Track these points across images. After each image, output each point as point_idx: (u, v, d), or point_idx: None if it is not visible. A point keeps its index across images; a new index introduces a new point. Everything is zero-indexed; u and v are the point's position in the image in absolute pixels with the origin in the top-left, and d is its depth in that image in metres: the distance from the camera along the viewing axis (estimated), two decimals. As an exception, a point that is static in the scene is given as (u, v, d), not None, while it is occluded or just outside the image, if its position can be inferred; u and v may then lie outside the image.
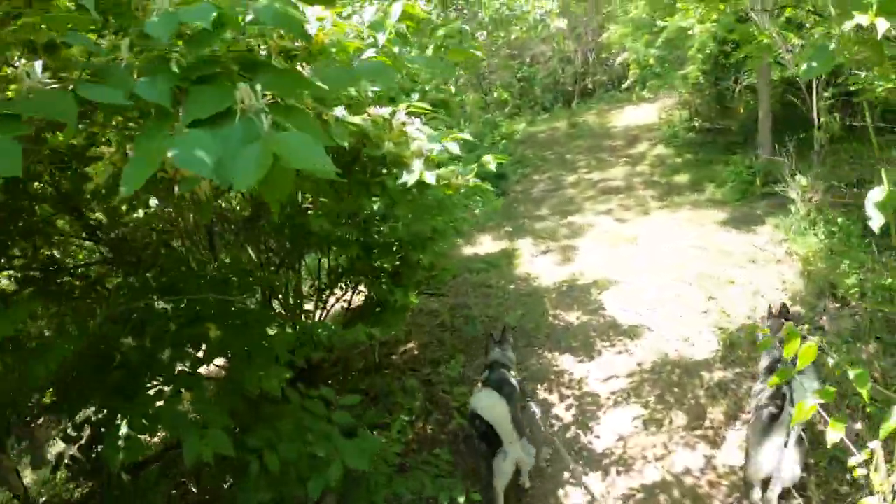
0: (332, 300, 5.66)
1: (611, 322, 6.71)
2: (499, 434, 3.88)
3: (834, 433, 2.01)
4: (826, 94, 6.77)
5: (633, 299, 7.07)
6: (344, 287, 5.65)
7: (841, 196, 7.68)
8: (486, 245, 9.67)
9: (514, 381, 4.48)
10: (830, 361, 2.75)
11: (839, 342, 5.75)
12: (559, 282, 7.86)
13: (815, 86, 7.04)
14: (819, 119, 7.04)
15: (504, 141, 14.13)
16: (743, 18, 7.93)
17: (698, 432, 4.98)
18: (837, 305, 6.33)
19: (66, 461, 3.78)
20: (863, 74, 6.20)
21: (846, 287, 6.22)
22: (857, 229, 6.83)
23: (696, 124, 12.06)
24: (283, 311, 5.05)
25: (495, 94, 16.05)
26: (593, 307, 7.08)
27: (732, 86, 10.20)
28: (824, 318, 6.27)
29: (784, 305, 5.04)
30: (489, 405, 4.05)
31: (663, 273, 7.49)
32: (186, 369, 3.32)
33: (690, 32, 8.05)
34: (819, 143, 7.17)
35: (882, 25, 2.02)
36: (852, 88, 6.61)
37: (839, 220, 7.03)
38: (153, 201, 3.60)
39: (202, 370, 3.67)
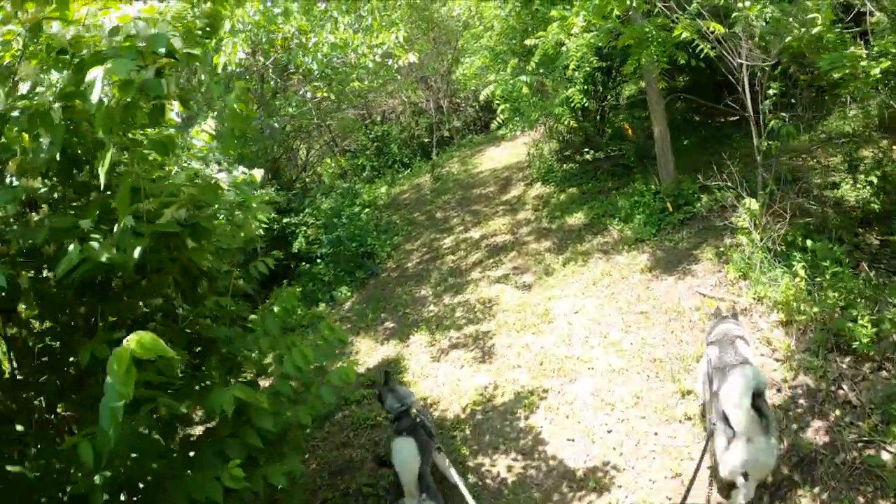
0: None
1: (559, 468, 4.47)
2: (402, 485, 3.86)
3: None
4: (772, 90, 5.06)
5: (578, 418, 4.90)
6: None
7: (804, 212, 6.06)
8: (366, 354, 7.26)
9: (426, 423, 4.28)
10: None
11: (877, 415, 3.94)
12: (470, 403, 5.56)
13: (753, 82, 5.35)
14: (762, 122, 5.33)
15: (367, 210, 11.92)
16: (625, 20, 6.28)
17: None
18: (854, 364, 4.51)
19: None
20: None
21: (859, 335, 4.41)
22: (839, 250, 5.12)
23: (571, 154, 10.50)
24: None
25: (341, 164, 14.03)
26: (527, 442, 4.83)
27: (610, 104, 8.66)
28: (844, 385, 4.41)
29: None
30: (405, 458, 3.91)
31: (605, 363, 5.43)
32: None
33: (563, 48, 6.28)
34: (761, 151, 5.45)
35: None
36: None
37: (809, 242, 5.31)
38: None
39: None
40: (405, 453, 3.91)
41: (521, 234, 9.15)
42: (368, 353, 7.37)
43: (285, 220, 11.03)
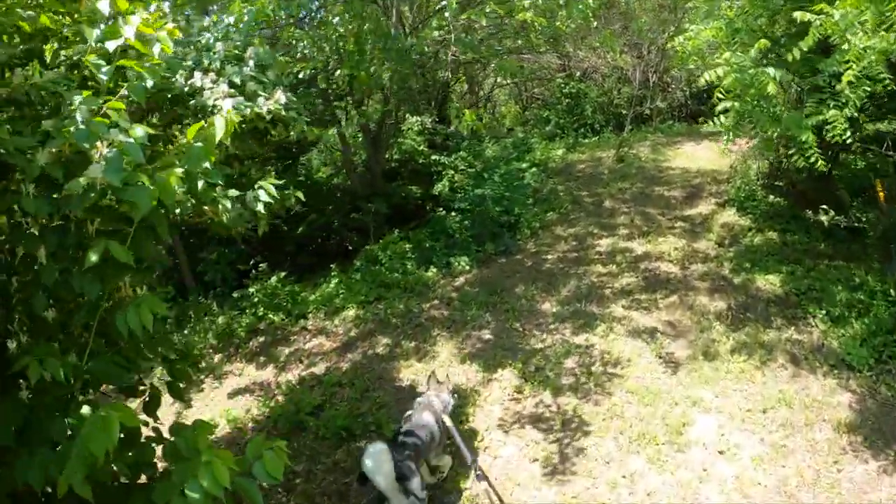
0: None
1: None
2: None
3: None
4: None
5: None
6: None
7: None
8: (440, 365, 5.78)
9: (430, 425, 4.10)
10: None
11: None
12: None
13: None
14: None
15: (534, 169, 10.01)
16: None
17: None
18: None
19: None
20: None
21: None
22: None
23: (785, 185, 7.62)
24: None
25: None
26: None
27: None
28: None
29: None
30: (372, 465, 3.67)
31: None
32: None
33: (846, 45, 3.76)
34: None
35: None
36: None
37: None
38: None
39: None
40: (371, 460, 3.68)
41: (692, 275, 6.76)
42: (444, 363, 5.85)
43: (434, 157, 9.54)
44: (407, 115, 9.08)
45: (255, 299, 7.78)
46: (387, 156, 10.11)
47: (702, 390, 4.87)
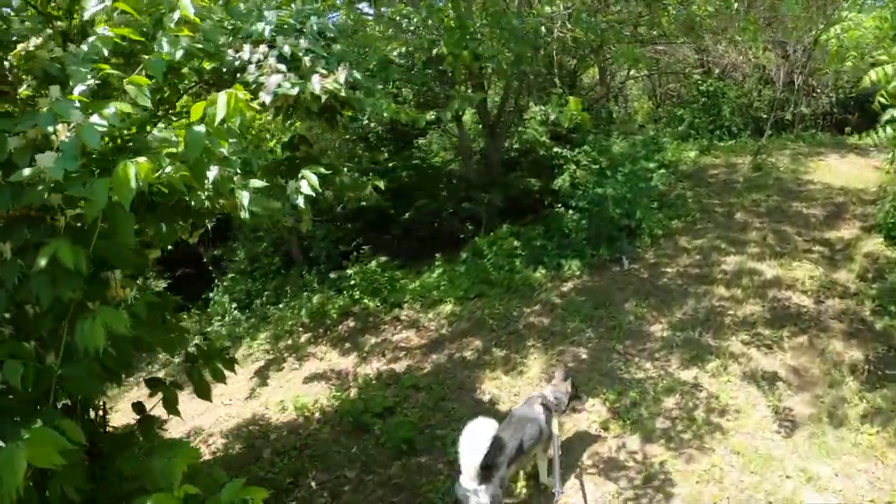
0: None
1: None
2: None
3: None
4: None
5: None
6: None
7: None
8: (527, 380, 5.27)
9: (538, 419, 3.77)
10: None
11: None
12: None
13: None
14: None
15: (662, 170, 9.03)
16: None
17: None
18: None
19: None
20: None
21: None
22: None
23: None
24: None
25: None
26: None
27: None
28: None
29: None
30: (467, 437, 3.30)
31: None
32: None
33: None
34: None
35: None
36: None
37: None
38: None
39: None
40: (469, 432, 3.33)
41: (826, 312, 5.61)
42: (532, 380, 5.30)
43: (556, 149, 8.84)
44: (531, 104, 8.43)
45: (353, 281, 7.64)
46: (506, 145, 9.55)
47: (821, 464, 3.93)
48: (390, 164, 9.02)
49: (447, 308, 6.88)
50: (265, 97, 2.67)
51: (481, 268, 7.50)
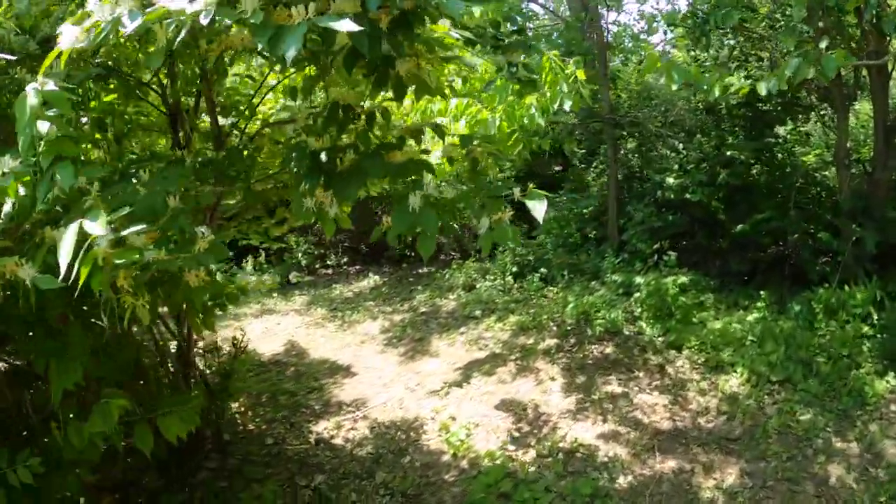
0: None
1: None
2: None
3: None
4: None
5: None
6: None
7: None
8: None
9: None
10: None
11: None
12: None
13: None
14: None
15: None
16: None
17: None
18: None
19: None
20: None
21: None
22: None
23: None
24: None
25: None
26: None
27: None
28: None
29: None
30: None
31: None
32: None
33: None
34: None
35: None
36: None
37: None
38: None
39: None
40: None
41: None
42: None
43: None
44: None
45: (638, 293, 6.35)
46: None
47: None
48: (735, 153, 6.99)
49: (729, 383, 5.13)
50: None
51: (807, 339, 5.43)
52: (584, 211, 8.15)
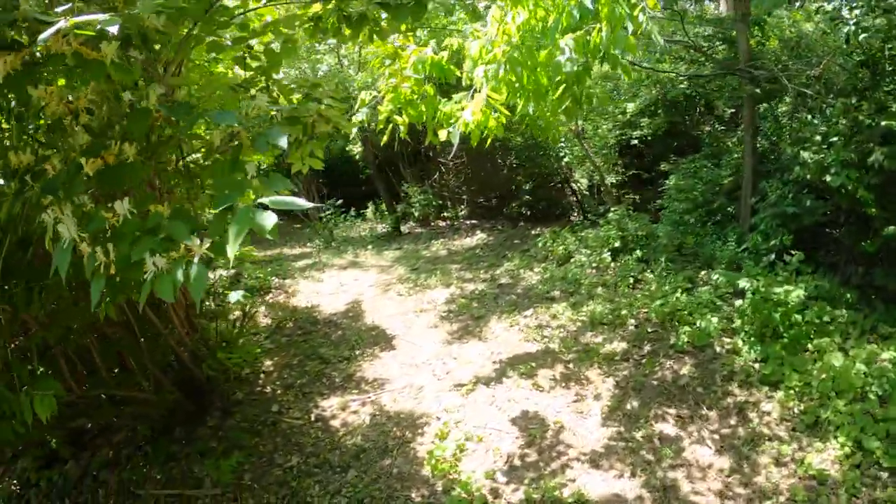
0: None
1: None
2: None
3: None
4: None
5: None
6: None
7: None
8: None
9: None
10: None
11: None
12: None
13: None
14: None
15: None
16: None
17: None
18: None
19: None
20: None
21: None
22: None
23: None
24: None
25: None
26: None
27: None
28: None
29: None
30: None
31: None
32: None
33: None
34: None
35: None
36: None
37: None
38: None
39: None
40: None
41: None
42: None
43: None
44: None
45: (742, 304, 4.93)
46: None
47: None
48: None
49: (823, 455, 3.72)
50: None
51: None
52: (720, 182, 6.60)
